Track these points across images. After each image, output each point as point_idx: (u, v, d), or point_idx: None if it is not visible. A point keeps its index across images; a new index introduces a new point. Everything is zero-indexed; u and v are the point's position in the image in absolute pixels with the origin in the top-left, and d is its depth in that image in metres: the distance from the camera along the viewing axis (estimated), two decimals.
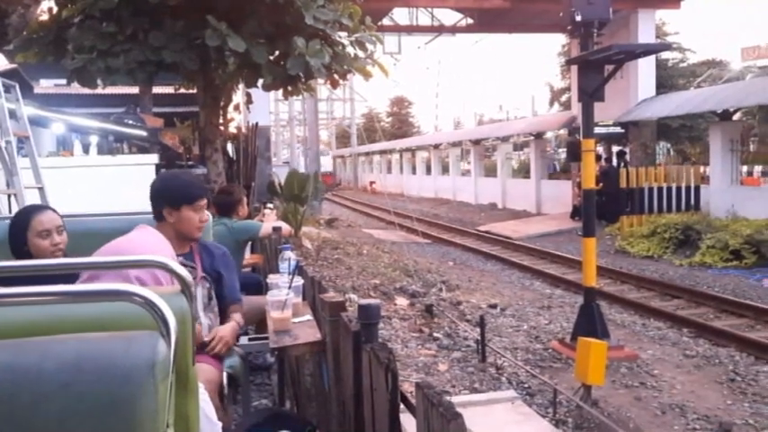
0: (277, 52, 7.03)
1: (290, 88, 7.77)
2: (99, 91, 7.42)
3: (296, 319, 2.64)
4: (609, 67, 5.90)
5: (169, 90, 10.17)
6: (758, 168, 20.60)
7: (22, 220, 2.46)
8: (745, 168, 18.24)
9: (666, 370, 5.82)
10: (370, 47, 7.36)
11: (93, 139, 7.58)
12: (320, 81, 7.93)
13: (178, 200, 2.65)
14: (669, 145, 26.31)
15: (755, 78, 23.61)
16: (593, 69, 5.65)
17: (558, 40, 29.70)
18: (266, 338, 2.77)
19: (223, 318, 2.80)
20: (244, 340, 3.06)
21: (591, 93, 5.64)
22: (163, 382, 0.98)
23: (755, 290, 9.01)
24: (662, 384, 5.40)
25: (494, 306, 7.84)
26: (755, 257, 10.40)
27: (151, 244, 1.95)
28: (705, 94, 16.08)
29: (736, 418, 4.82)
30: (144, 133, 7.96)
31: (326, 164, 40.59)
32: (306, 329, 2.56)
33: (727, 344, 6.68)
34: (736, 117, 15.50)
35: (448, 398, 1.33)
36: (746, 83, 19.09)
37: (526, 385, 5.19)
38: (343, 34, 7.28)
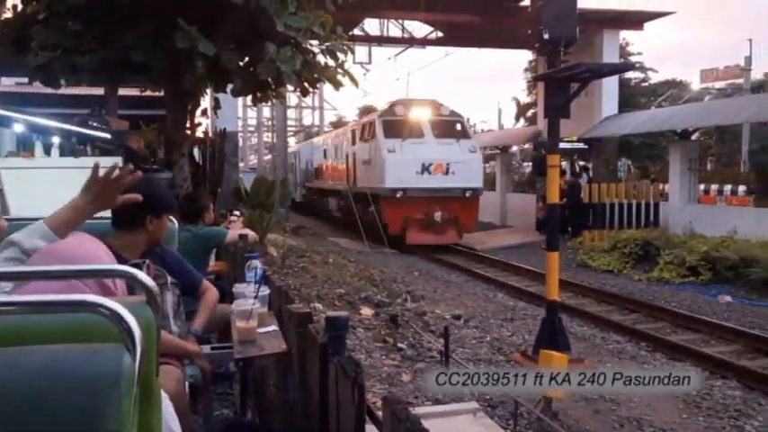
0: (247, 58, 7.00)
1: (259, 95, 7.74)
2: (63, 91, 7.29)
3: (261, 329, 2.62)
4: (575, 85, 6.01)
5: (135, 92, 10.02)
6: (714, 187, 21.22)
7: None
8: (702, 187, 18.78)
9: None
10: (341, 56, 7.37)
11: (56, 140, 7.42)
12: (290, 88, 7.91)
13: (164, 208, 2.61)
14: (630, 162, 26.97)
15: (713, 100, 24.38)
16: (560, 87, 5.74)
17: (524, 56, 30.19)
18: (230, 347, 2.74)
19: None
20: (206, 349, 3.02)
21: (557, 109, 5.74)
22: (127, 395, 0.97)
23: (711, 305, 9.25)
24: (620, 398, 5.50)
25: (458, 317, 7.89)
26: (711, 274, 10.70)
27: (95, 250, 1.90)
28: (666, 114, 16.55)
29: (691, 431, 4.94)
30: (108, 135, 7.82)
31: (465, 170, 14.65)
32: (271, 340, 2.54)
33: (682, 358, 6.84)
34: (694, 137, 15.97)
35: (411, 409, 1.34)
36: (705, 104, 19.70)
37: (488, 397, 5.23)
38: (315, 42, 7.29)
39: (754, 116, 14.61)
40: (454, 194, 14.39)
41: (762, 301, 9.42)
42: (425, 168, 14.30)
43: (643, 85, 30.05)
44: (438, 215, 14.31)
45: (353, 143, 17.20)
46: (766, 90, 26.53)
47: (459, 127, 15.58)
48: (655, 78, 30.64)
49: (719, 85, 29.71)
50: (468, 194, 14.54)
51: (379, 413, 1.75)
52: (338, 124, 41.18)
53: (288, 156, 27.83)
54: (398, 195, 14.16)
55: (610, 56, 17.36)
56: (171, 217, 2.93)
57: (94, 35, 6.43)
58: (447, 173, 14.40)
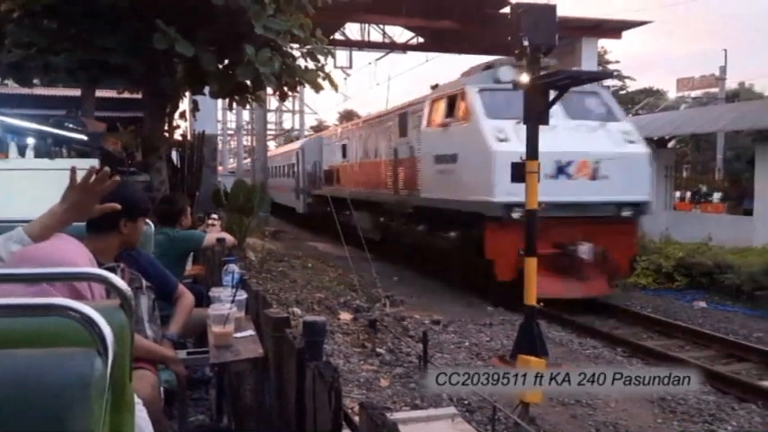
0: (226, 61, 6.96)
1: (237, 98, 7.70)
2: (39, 92, 7.21)
3: (238, 334, 2.59)
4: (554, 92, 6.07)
5: (113, 94, 9.92)
6: (689, 194, 21.52)
7: None
8: (677, 194, 19.04)
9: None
10: (321, 59, 7.37)
11: (31, 142, 7.29)
12: (269, 91, 7.89)
13: (139, 211, 2.58)
14: None
15: (689, 109, 24.79)
16: (539, 93, 5.80)
17: None
18: (206, 352, 2.71)
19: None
20: (182, 354, 2.99)
21: (536, 115, 5.78)
22: (98, 401, 0.95)
23: (686, 311, 9.36)
24: (597, 402, 5.54)
25: (436, 322, 7.89)
26: (687, 280, 10.84)
27: (68, 253, 1.87)
28: (643, 122, 16.76)
29: None
30: (84, 137, 7.71)
31: (623, 172, 8.79)
32: (248, 345, 2.52)
33: (658, 363, 6.90)
34: (670, 145, 16.20)
35: (389, 414, 1.33)
36: (681, 113, 20.03)
37: (466, 402, 5.24)
38: (295, 46, 7.28)
39: (729, 125, 14.88)
40: (605, 213, 8.76)
41: (735, 307, 9.57)
42: (561, 169, 8.60)
43: (621, 93, 30.50)
44: (585, 250, 8.44)
45: (403, 134, 11.84)
46: (740, 99, 27.03)
47: (601, 103, 9.76)
48: (632, 87, 31.14)
49: (695, 93, 30.24)
50: (626, 214, 8.97)
51: (357, 418, 1.74)
52: (319, 128, 40.97)
53: (287, 156, 25.10)
54: (516, 216, 8.02)
55: (588, 63, 17.57)
56: (147, 220, 2.90)
57: (70, 35, 6.36)
58: (594, 177, 8.68)
